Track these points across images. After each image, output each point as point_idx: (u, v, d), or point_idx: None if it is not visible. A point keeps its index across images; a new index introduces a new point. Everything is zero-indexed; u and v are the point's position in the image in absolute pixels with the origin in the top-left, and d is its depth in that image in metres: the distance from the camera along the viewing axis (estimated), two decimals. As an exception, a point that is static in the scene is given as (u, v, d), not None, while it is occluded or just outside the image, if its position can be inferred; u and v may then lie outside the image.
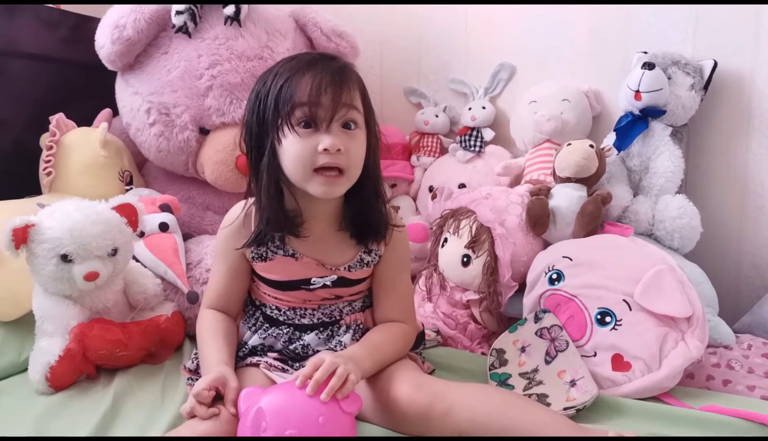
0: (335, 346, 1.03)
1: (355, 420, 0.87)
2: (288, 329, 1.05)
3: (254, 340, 1.06)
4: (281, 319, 1.06)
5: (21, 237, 1.09)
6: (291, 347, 1.04)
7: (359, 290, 1.08)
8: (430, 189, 1.71)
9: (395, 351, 1.02)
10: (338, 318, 1.07)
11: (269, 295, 1.06)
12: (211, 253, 1.31)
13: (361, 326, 1.07)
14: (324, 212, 1.02)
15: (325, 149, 0.91)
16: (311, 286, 1.03)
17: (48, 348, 1.10)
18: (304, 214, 1.00)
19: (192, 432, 0.85)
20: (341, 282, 1.04)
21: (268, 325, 1.06)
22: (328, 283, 1.03)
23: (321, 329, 1.05)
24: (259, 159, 0.96)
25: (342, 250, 1.03)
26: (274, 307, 1.06)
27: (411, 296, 1.13)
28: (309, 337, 1.04)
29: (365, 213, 1.01)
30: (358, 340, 1.04)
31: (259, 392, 0.87)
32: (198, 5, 1.46)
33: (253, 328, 1.07)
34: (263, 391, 0.87)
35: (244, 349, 1.06)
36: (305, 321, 1.05)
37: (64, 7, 1.77)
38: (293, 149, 0.92)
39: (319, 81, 0.91)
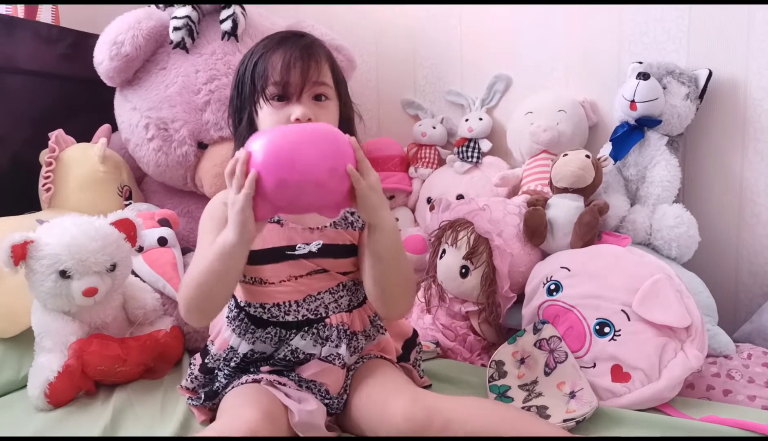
0: (333, 360, 1.01)
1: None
2: (274, 330, 1.03)
3: (243, 347, 1.04)
4: (266, 317, 1.04)
5: (20, 253, 1.10)
6: (281, 355, 1.02)
7: (345, 268, 1.06)
8: (428, 200, 1.71)
9: (408, 263, 1.03)
10: (324, 315, 1.04)
11: (253, 278, 1.04)
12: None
13: (347, 331, 1.04)
14: None
15: (297, 119, 0.97)
16: (296, 252, 1.03)
17: (47, 364, 1.10)
18: None
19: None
20: (327, 252, 1.04)
21: (254, 327, 1.04)
22: (314, 249, 1.03)
23: (306, 328, 1.03)
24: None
25: None
26: (257, 306, 1.04)
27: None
28: (296, 341, 1.02)
29: None
30: (348, 347, 1.03)
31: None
32: (195, 23, 1.47)
33: (238, 330, 1.05)
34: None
35: (235, 358, 1.04)
36: (289, 318, 1.03)
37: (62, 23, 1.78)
38: (269, 120, 1.00)
39: (289, 57, 0.99)
